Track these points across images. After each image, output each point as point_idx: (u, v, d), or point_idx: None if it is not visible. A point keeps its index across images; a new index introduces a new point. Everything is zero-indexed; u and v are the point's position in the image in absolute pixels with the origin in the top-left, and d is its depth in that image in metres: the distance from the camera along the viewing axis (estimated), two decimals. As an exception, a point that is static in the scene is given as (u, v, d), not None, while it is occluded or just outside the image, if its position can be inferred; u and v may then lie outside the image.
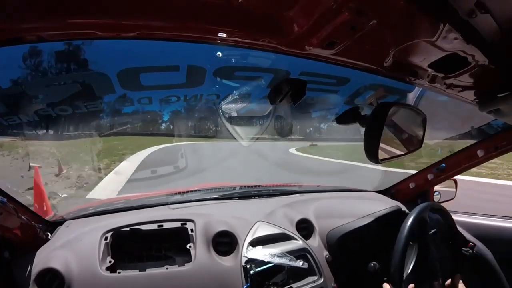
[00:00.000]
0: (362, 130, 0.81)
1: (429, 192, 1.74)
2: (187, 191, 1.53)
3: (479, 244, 1.49)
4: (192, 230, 1.18)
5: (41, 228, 1.05)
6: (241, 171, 7.94)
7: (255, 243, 1.20)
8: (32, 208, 1.03)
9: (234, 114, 1.01)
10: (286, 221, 1.34)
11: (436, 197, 1.76)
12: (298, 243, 1.26)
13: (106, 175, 7.10)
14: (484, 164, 1.54)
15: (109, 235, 1.09)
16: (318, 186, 1.94)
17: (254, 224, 1.26)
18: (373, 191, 1.90)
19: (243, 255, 1.14)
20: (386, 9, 0.54)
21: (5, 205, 0.84)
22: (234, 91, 0.95)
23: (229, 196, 1.55)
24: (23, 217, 0.93)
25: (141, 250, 1.14)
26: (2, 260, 0.92)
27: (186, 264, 1.11)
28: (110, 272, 1.02)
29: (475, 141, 1.42)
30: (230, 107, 0.98)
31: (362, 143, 0.79)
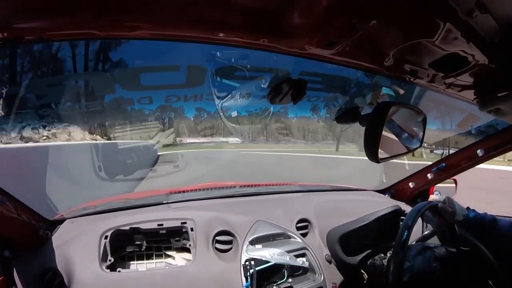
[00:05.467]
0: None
1: (429, 191, 1.74)
2: (187, 190, 1.53)
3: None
4: (192, 229, 1.18)
5: (42, 227, 1.05)
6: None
7: (255, 242, 1.20)
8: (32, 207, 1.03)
9: (235, 113, 1.01)
10: (286, 220, 1.35)
11: (436, 197, 1.76)
12: (298, 242, 1.26)
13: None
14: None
15: (109, 234, 1.09)
16: (318, 185, 1.94)
17: (254, 223, 1.26)
18: (373, 190, 1.91)
19: (243, 253, 1.15)
20: (386, 9, 0.54)
21: (5, 204, 0.84)
22: (234, 91, 0.95)
23: (229, 195, 1.55)
24: (23, 216, 0.93)
25: (141, 249, 1.14)
26: (2, 259, 0.92)
27: (186, 263, 1.12)
28: (110, 271, 1.02)
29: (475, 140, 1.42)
30: (230, 106, 0.98)
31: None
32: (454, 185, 1.82)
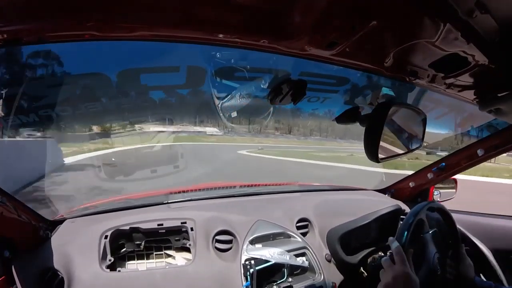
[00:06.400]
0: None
1: (429, 191, 1.75)
2: (187, 190, 1.53)
3: (478, 243, 1.50)
4: (192, 229, 1.18)
5: (41, 227, 1.05)
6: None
7: (255, 241, 1.20)
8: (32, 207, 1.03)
9: (234, 114, 1.01)
10: (286, 219, 1.35)
11: (436, 196, 1.77)
12: (298, 241, 1.26)
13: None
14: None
15: (109, 233, 1.10)
16: (317, 185, 1.94)
17: (254, 223, 1.26)
18: (373, 190, 1.91)
19: (243, 253, 1.15)
20: (386, 9, 0.54)
21: (5, 204, 0.84)
22: (234, 92, 0.95)
23: (229, 195, 1.55)
24: (23, 216, 0.94)
25: (141, 249, 1.14)
26: (3, 259, 0.92)
27: (186, 263, 1.12)
28: (110, 271, 1.02)
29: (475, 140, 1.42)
30: (230, 107, 0.98)
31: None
32: (454, 185, 1.82)
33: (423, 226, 1.14)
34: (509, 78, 0.72)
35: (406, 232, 1.01)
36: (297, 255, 1.20)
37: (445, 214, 1.23)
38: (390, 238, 0.97)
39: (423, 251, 1.13)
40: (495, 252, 1.47)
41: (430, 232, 1.18)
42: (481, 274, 1.45)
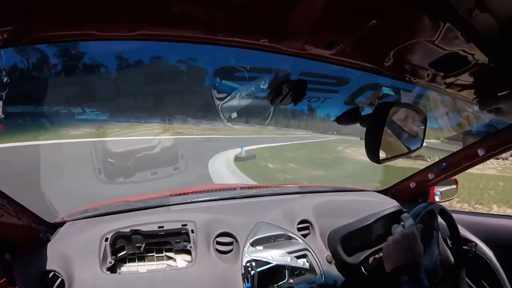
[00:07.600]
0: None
1: (429, 191, 1.74)
2: (188, 192, 1.53)
3: (480, 243, 1.49)
4: (192, 231, 1.18)
5: (42, 229, 1.05)
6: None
7: (256, 243, 1.20)
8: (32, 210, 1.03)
9: (234, 114, 1.01)
10: (287, 221, 1.35)
11: (436, 197, 1.76)
12: (299, 243, 1.26)
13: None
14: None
15: (109, 236, 1.09)
16: (318, 186, 1.93)
17: (255, 225, 1.26)
18: (373, 190, 1.90)
19: (244, 255, 1.15)
20: (386, 8, 0.54)
21: (5, 207, 0.84)
22: (234, 92, 0.95)
23: (229, 197, 1.55)
24: (23, 218, 0.93)
25: (141, 251, 1.14)
26: (3, 262, 0.92)
27: (186, 265, 1.12)
28: (111, 273, 1.02)
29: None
30: (230, 107, 0.98)
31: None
32: (455, 186, 1.82)
33: (434, 218, 1.14)
34: (509, 77, 0.72)
35: (422, 210, 1.06)
36: (298, 257, 1.20)
37: (446, 215, 1.22)
38: (404, 215, 1.00)
39: (428, 247, 1.12)
40: (496, 251, 1.47)
41: (431, 232, 1.17)
42: (482, 281, 1.45)
